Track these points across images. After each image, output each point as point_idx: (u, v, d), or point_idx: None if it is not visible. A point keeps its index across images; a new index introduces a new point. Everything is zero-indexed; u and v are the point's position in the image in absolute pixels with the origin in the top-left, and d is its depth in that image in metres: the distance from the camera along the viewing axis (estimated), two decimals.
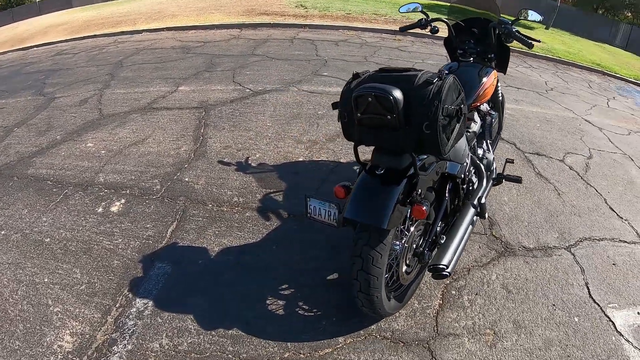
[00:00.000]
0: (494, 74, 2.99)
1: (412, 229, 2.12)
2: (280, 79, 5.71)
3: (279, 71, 6.03)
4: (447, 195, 2.26)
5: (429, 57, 7.74)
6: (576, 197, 3.64)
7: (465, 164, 2.38)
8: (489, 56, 3.09)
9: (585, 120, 5.78)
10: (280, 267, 2.55)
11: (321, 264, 2.60)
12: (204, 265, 2.53)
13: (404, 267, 2.18)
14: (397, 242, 2.03)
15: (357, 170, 2.10)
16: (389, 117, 1.72)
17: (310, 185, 3.37)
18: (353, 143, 2.02)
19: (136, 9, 13.13)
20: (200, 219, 2.90)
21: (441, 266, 2.02)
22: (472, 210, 2.38)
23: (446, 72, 1.87)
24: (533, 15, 2.89)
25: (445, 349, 2.14)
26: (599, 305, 2.55)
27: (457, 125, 1.90)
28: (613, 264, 2.98)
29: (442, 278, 2.13)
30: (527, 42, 2.78)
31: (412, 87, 1.74)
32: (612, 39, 20.78)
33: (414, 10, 3.15)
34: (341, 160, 3.82)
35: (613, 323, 2.43)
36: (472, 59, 3.03)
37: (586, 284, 2.72)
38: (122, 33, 9.55)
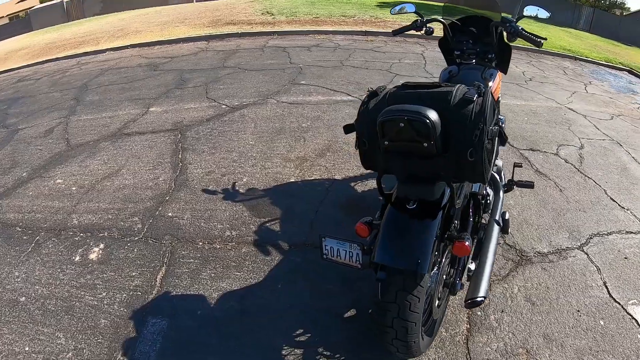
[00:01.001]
0: (499, 75, 2.82)
1: (444, 261, 1.89)
2: (256, 91, 5.46)
3: (254, 83, 5.79)
4: (471, 215, 2.07)
5: (404, 56, 7.61)
6: (577, 191, 3.57)
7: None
8: (489, 56, 2.93)
9: (569, 108, 5.74)
10: (290, 309, 2.32)
11: (334, 300, 2.38)
12: (203, 316, 2.26)
13: (436, 302, 1.96)
14: (431, 278, 1.80)
15: (381, 202, 1.86)
16: (425, 144, 1.50)
17: (307, 209, 3.15)
18: (371, 171, 1.79)
19: (98, 28, 12.64)
20: (192, 260, 2.64)
21: (479, 299, 1.80)
22: (496, 228, 2.18)
23: (481, 85, 1.64)
24: (541, 12, 2.72)
25: None
26: (620, 304, 2.53)
27: (496, 146, 1.69)
28: (625, 258, 2.98)
29: (477, 306, 1.95)
30: (536, 40, 2.61)
31: (448, 107, 1.52)
32: (575, 23, 21.27)
33: (407, 12, 2.99)
34: (336, 178, 3.61)
35: (636, 320, 2.42)
36: (474, 60, 2.87)
37: (604, 283, 2.69)
38: (85, 54, 9.12)
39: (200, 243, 2.78)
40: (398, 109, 1.50)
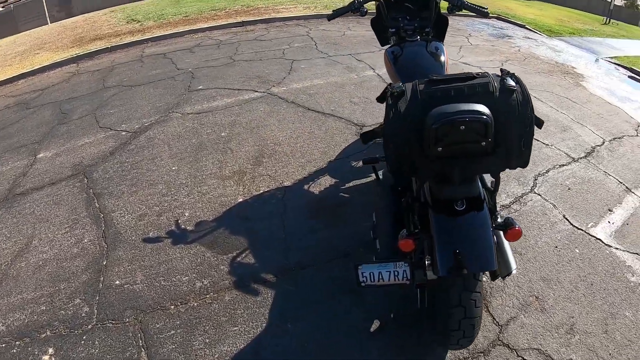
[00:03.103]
0: (444, 47, 2.68)
1: None
2: (153, 108, 4.74)
3: (147, 98, 5.02)
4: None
5: (291, 40, 7.25)
6: None
7: None
8: (426, 30, 2.77)
9: (464, 63, 5.90)
10: (313, 345, 2.02)
11: (353, 316, 2.18)
12: None
13: None
14: None
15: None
16: (483, 143, 1.40)
17: (272, 228, 2.80)
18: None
19: None
20: (173, 331, 2.12)
21: (514, 271, 1.74)
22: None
23: (508, 71, 1.54)
24: None
25: (514, 333, 2.16)
26: (582, 230, 2.93)
27: None
28: (568, 189, 3.38)
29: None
30: (482, 11, 2.62)
31: (493, 99, 1.42)
32: None
33: None
34: (286, 185, 3.23)
35: (600, 240, 2.87)
36: (418, 37, 2.67)
37: (564, 216, 3.05)
38: None
39: (172, 307, 2.25)
40: (453, 111, 1.36)
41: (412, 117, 1.46)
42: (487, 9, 2.68)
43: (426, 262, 1.66)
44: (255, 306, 2.24)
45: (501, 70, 1.57)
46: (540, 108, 4.94)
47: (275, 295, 2.31)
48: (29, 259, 2.71)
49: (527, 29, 9.23)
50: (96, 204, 3.17)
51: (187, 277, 2.43)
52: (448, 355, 2.02)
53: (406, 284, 1.73)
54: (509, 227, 1.58)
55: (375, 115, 4.43)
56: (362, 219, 2.96)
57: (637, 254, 2.89)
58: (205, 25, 8.09)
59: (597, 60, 7.94)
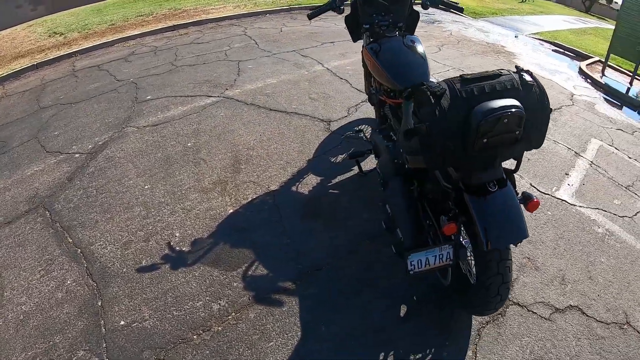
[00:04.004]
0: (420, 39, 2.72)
1: None
2: (103, 124, 4.32)
3: (93, 115, 4.56)
4: None
5: (230, 40, 6.95)
6: None
7: None
8: (399, 25, 2.85)
9: None
10: (352, 342, 2.02)
11: (380, 306, 2.23)
12: None
13: None
14: None
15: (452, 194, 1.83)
16: (517, 132, 1.55)
17: (273, 235, 2.68)
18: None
19: None
20: None
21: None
22: None
23: (522, 68, 1.69)
24: None
25: (520, 292, 2.40)
26: (549, 194, 3.30)
27: None
28: (528, 160, 3.69)
29: None
30: (457, 6, 2.84)
31: (519, 94, 1.58)
32: None
33: None
34: (273, 189, 3.08)
35: (564, 201, 3.28)
36: (397, 32, 2.71)
37: (531, 184, 3.40)
38: None
39: (195, 337, 2.05)
40: (497, 107, 1.48)
41: (457, 113, 1.54)
42: (457, 3, 2.82)
43: (463, 241, 1.90)
44: (283, 317, 2.11)
45: (516, 67, 1.70)
46: None
47: (299, 301, 2.20)
48: (7, 315, 2.30)
49: (453, 12, 9.57)
50: (68, 238, 2.80)
51: (200, 302, 2.22)
52: (473, 322, 2.18)
53: (449, 264, 1.92)
54: (529, 200, 1.74)
55: (337, 110, 4.35)
56: (358, 212, 2.90)
57: (597, 208, 3.21)
58: (136, 32, 7.53)
59: (516, 36, 8.40)
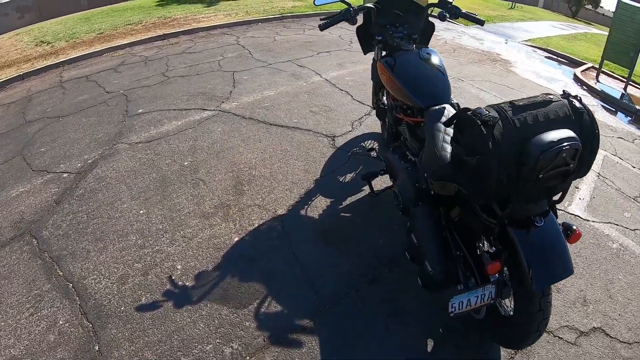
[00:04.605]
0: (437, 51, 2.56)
1: None
2: (92, 140, 4.04)
3: (82, 130, 4.28)
4: None
5: (223, 50, 6.72)
6: None
7: None
8: (414, 37, 2.70)
9: None
10: None
11: (407, 340, 2.08)
12: None
13: None
14: None
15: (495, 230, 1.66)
16: (571, 165, 1.42)
17: (285, 264, 2.47)
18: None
19: None
20: None
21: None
22: None
23: (570, 93, 1.56)
24: None
25: None
26: (563, 210, 3.22)
27: None
28: None
29: None
30: (477, 19, 2.65)
31: (571, 121, 1.46)
32: None
33: (334, 1, 2.52)
34: (280, 213, 2.86)
35: (578, 216, 3.18)
36: (414, 45, 2.54)
37: None
38: None
39: None
40: (556, 140, 1.34)
41: (511, 145, 1.39)
42: (476, 15, 2.71)
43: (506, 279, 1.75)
44: (311, 349, 1.91)
45: (564, 92, 1.58)
46: (485, 98, 4.99)
47: (320, 340, 1.99)
48: None
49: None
50: (58, 270, 2.53)
51: (210, 345, 1.98)
52: (502, 352, 2.05)
53: (490, 303, 1.80)
54: (571, 232, 1.62)
55: (341, 124, 4.15)
56: (372, 237, 2.71)
57: (610, 222, 3.10)
58: (125, 42, 7.24)
59: (506, 42, 8.33)
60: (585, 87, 6.27)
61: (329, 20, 2.48)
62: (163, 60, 6.46)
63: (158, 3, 10.47)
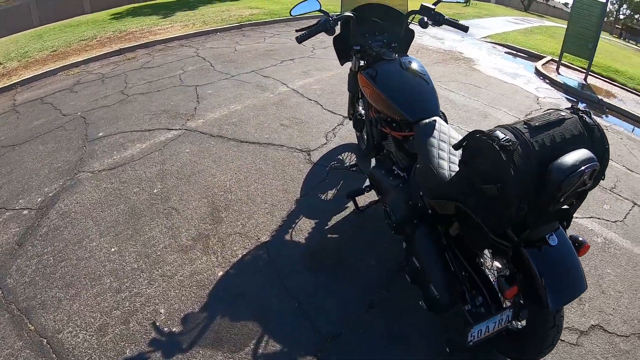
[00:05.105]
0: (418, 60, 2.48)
1: None
2: (52, 170, 3.75)
3: (39, 159, 3.96)
4: None
5: (183, 63, 6.47)
6: None
7: None
8: (393, 45, 2.60)
9: None
10: None
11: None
12: None
13: None
14: None
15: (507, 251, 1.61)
16: (588, 184, 1.41)
17: (277, 297, 2.33)
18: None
19: None
20: None
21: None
22: None
23: (578, 108, 1.55)
24: None
25: None
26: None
27: None
28: None
29: None
30: (462, 26, 2.60)
31: (584, 139, 1.42)
32: None
33: (312, 10, 2.41)
34: (263, 240, 2.71)
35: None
36: (396, 55, 2.44)
37: None
38: None
39: None
40: (577, 163, 1.31)
41: (531, 170, 1.34)
42: (458, 21, 2.66)
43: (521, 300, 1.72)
44: None
45: (572, 107, 1.55)
46: (455, 99, 4.99)
47: None
48: None
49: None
50: (29, 324, 2.28)
51: None
52: None
53: (507, 327, 1.77)
54: (580, 245, 1.60)
55: (314, 136, 4.03)
56: (363, 258, 2.61)
57: (592, 217, 3.17)
58: (80, 59, 6.86)
59: (463, 39, 8.43)
60: (547, 80, 6.41)
61: (307, 32, 2.34)
62: (121, 77, 6.15)
63: (112, 16, 10.03)
